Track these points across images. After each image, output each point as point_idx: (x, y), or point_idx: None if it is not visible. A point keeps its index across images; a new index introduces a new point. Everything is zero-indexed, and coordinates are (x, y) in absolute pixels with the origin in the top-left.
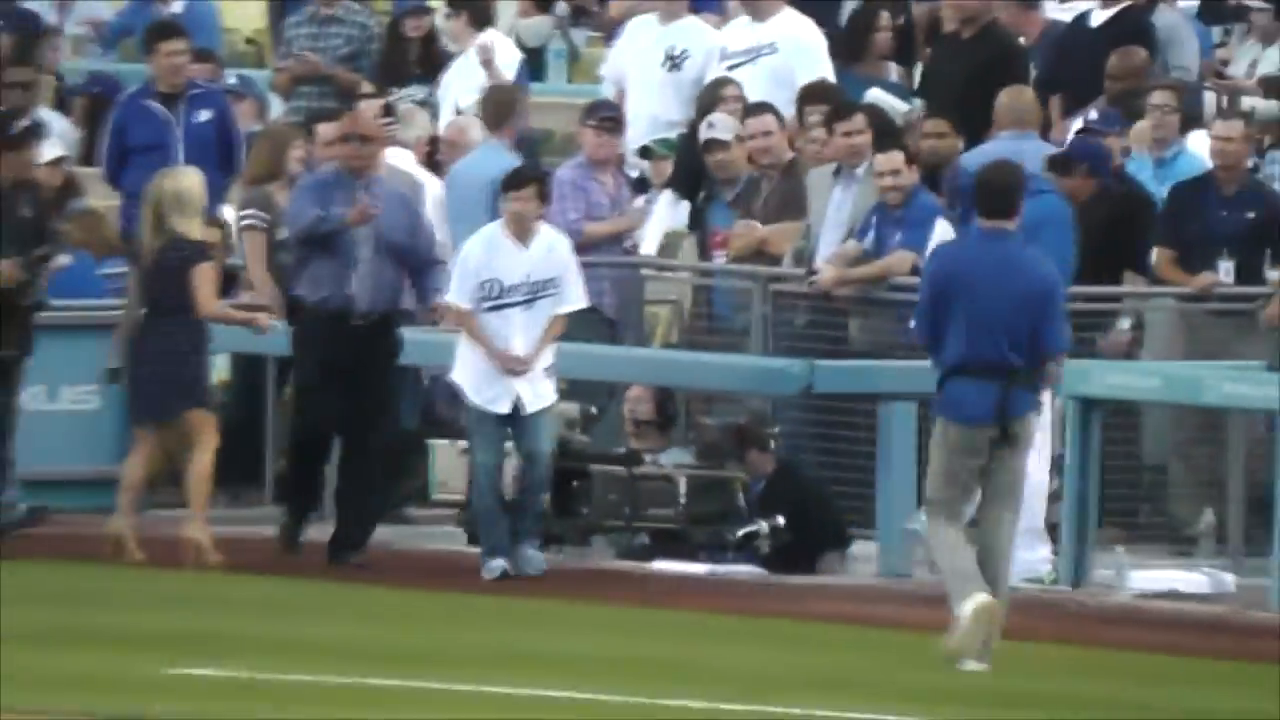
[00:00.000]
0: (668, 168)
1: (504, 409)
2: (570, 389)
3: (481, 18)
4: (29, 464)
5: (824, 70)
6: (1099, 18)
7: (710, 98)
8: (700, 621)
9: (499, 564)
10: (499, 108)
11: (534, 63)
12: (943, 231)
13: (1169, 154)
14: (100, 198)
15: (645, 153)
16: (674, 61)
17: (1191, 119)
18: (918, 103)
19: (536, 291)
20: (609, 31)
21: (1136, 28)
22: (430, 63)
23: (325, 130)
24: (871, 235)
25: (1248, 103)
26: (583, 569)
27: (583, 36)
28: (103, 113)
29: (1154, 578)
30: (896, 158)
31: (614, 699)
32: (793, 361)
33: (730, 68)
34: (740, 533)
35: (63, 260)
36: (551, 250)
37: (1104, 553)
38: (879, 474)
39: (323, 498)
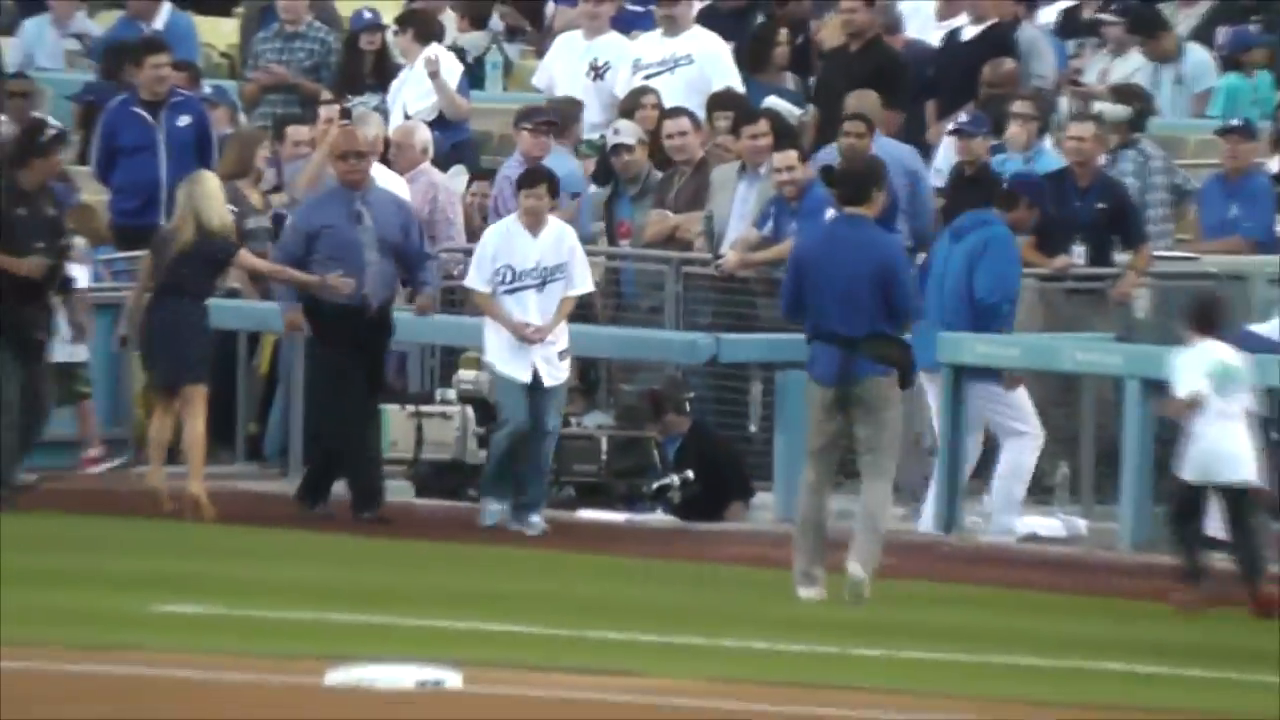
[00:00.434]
0: (592, 165)
1: (526, 378)
2: None
3: (427, 33)
4: None
5: (733, 79)
6: (969, 33)
7: (632, 104)
8: (619, 564)
9: (496, 509)
10: (564, 119)
11: (473, 73)
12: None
13: (1031, 154)
14: (91, 193)
15: (574, 152)
16: (597, 72)
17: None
18: (811, 108)
19: (547, 276)
20: (539, 45)
21: (1002, 41)
22: (382, 74)
23: (294, 132)
24: (770, 224)
25: (1098, 107)
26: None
27: (516, 50)
28: (94, 118)
29: (1031, 522)
30: (791, 156)
31: (543, 631)
32: (700, 335)
33: (646, 77)
34: (654, 485)
35: (79, 243)
36: (560, 240)
37: (973, 501)
38: (776, 432)
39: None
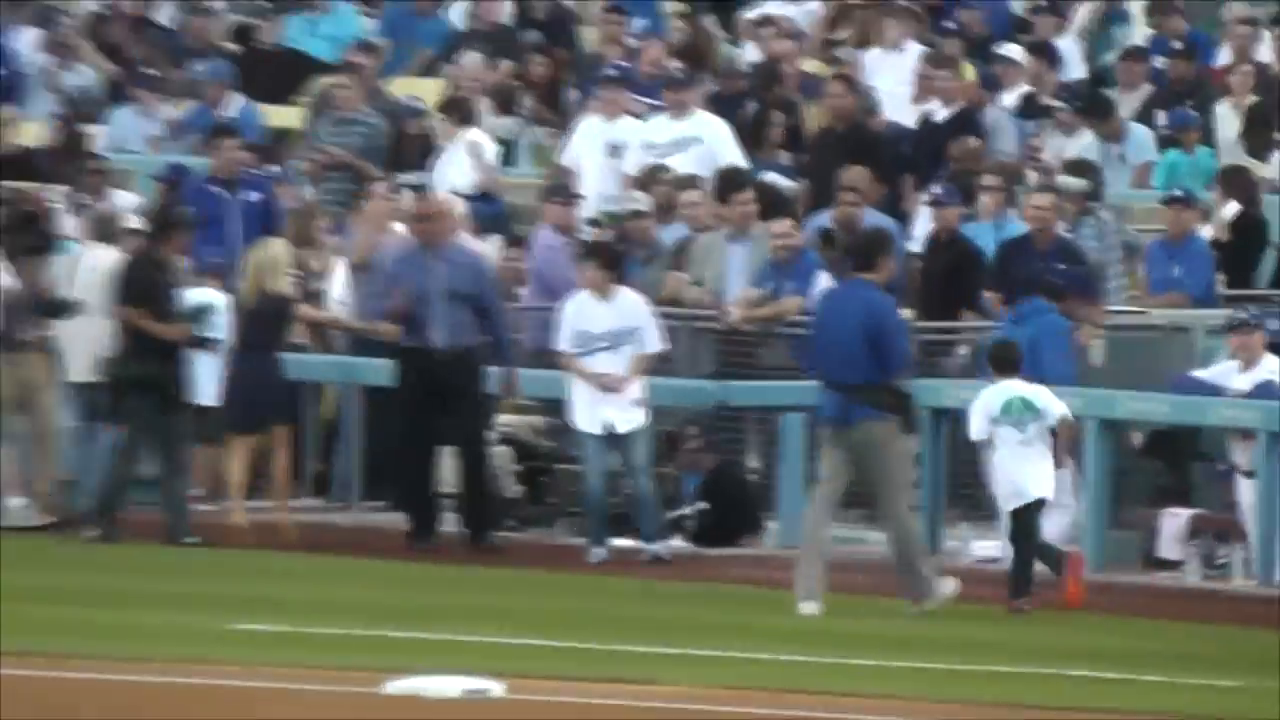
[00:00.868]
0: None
1: (596, 430)
2: (542, 406)
3: (465, 118)
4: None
5: (736, 157)
6: (941, 115)
7: (649, 179)
8: (640, 586)
9: (600, 552)
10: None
11: (505, 152)
12: (825, 282)
13: (1001, 220)
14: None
15: (595, 223)
16: (615, 150)
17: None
18: (804, 181)
19: (619, 339)
20: (563, 128)
21: (970, 122)
22: (425, 154)
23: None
24: (771, 285)
25: (1060, 179)
26: (549, 545)
27: (542, 132)
28: (175, 194)
29: (988, 545)
30: (787, 224)
31: (577, 646)
32: (707, 382)
33: (659, 156)
34: (671, 516)
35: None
36: (631, 305)
37: (952, 527)
38: (779, 468)
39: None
